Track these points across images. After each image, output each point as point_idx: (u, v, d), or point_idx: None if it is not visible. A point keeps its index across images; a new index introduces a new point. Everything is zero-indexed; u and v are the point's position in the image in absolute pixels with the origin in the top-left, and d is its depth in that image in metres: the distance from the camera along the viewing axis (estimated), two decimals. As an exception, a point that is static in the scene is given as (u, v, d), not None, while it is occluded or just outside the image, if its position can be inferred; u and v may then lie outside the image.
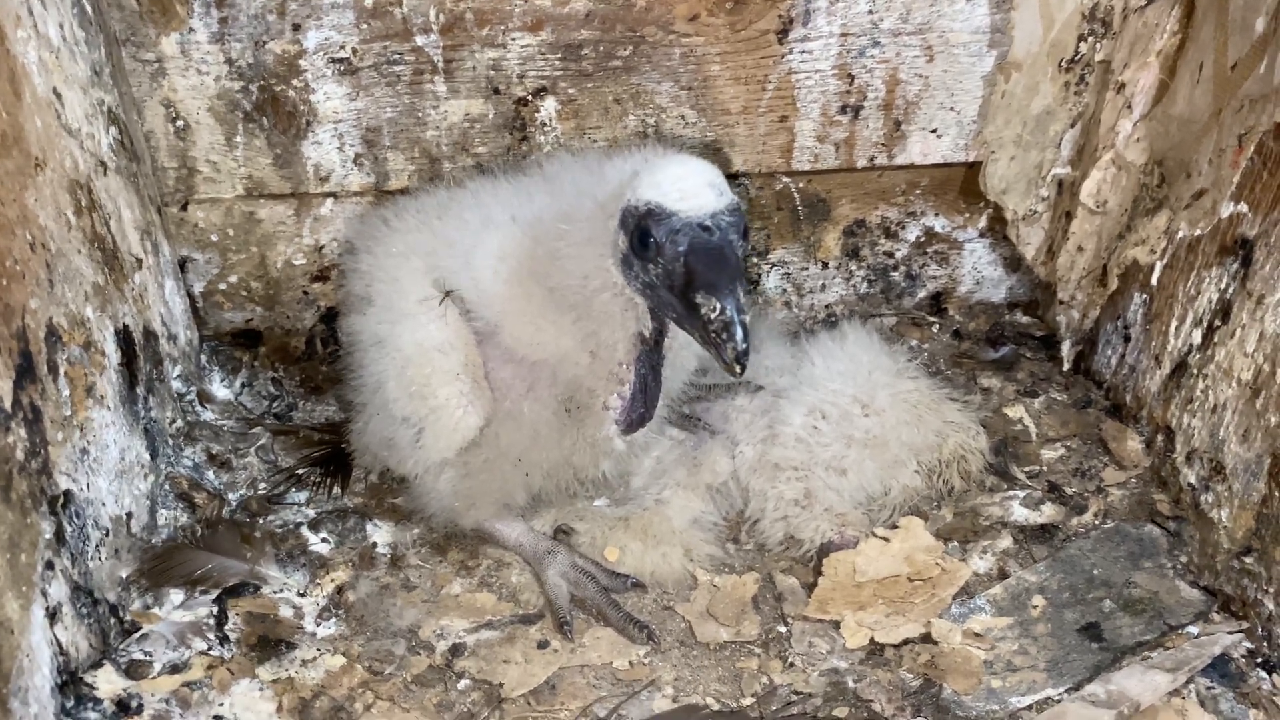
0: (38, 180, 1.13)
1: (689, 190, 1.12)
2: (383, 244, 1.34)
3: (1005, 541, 1.47)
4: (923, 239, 1.77)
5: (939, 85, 1.60)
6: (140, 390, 1.37)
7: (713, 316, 1.09)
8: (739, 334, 1.08)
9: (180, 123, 1.44)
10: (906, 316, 1.84)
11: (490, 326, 1.27)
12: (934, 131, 1.64)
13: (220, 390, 1.61)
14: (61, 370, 1.14)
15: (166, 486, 1.42)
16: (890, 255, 1.78)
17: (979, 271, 1.82)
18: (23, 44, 1.13)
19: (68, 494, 1.15)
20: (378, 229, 1.37)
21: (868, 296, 1.81)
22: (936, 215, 1.75)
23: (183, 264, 1.56)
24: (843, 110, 1.59)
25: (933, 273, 1.81)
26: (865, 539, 1.38)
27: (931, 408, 1.51)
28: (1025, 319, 1.85)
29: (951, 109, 1.63)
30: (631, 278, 1.17)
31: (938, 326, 1.83)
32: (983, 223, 1.77)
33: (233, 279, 1.57)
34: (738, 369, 1.09)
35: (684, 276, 1.11)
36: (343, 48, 1.38)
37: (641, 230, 1.11)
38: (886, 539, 1.40)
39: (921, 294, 1.83)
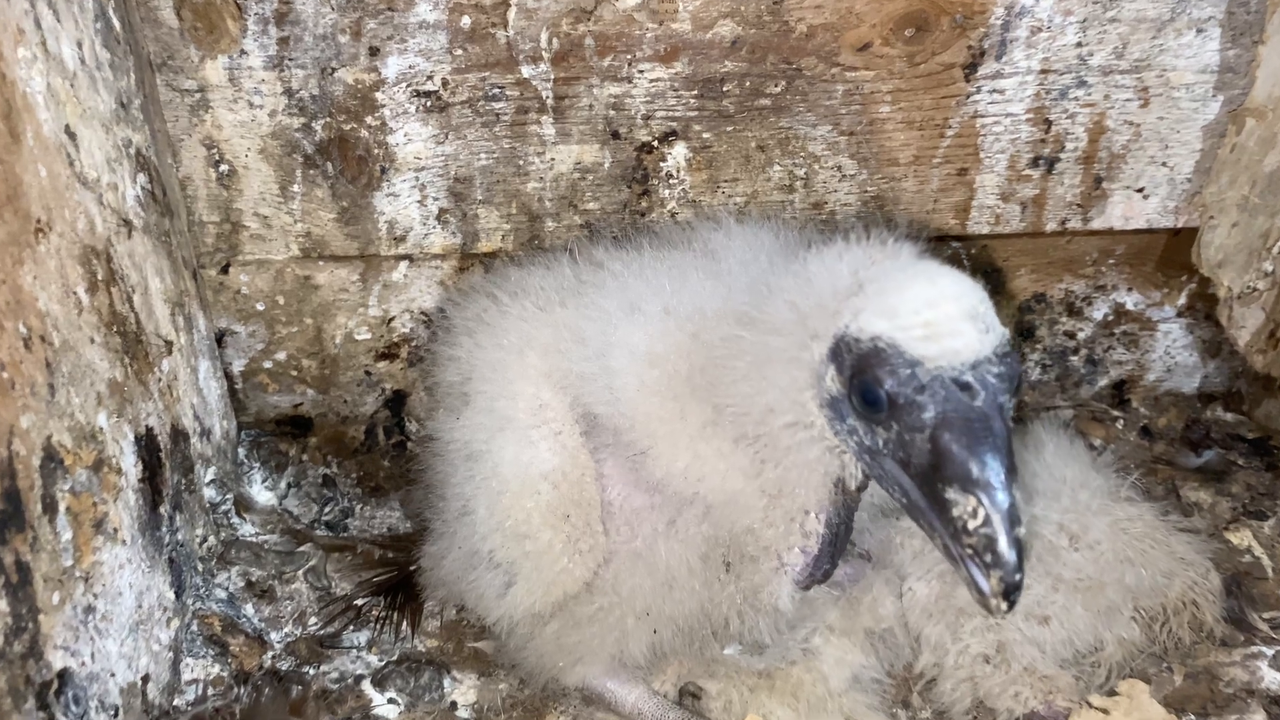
0: (39, 250, 0.83)
1: (941, 326, 0.81)
2: (491, 330, 1.06)
3: (1257, 716, 1.14)
4: (1111, 318, 1.46)
5: (1151, 135, 1.30)
6: (165, 509, 1.06)
7: (971, 525, 0.79)
8: (1009, 556, 0.78)
9: (225, 167, 1.15)
10: (1085, 409, 1.52)
11: (625, 444, 0.99)
12: (1140, 191, 1.34)
13: (261, 493, 1.31)
14: (62, 506, 0.84)
15: (194, 628, 1.11)
16: (1071, 336, 1.47)
17: (1171, 357, 1.51)
18: (25, 67, 0.84)
19: (64, 674, 0.84)
20: (484, 308, 1.09)
21: (1041, 385, 1.50)
22: (1130, 290, 1.44)
23: (220, 338, 1.26)
24: (1034, 163, 1.29)
25: (1118, 357, 1.49)
26: (1079, 710, 1.12)
27: (1158, 540, 1.21)
28: (1228, 416, 1.53)
29: (1164, 164, 1.32)
30: (843, 431, 0.89)
31: (1122, 422, 1.51)
32: (1182, 300, 1.46)
33: (280, 356, 1.31)
34: (1003, 607, 0.79)
35: (929, 457, 0.81)
36: (430, 78, 1.09)
37: (866, 378, 0.83)
38: (1105, 710, 1.13)
39: (1102, 382, 1.52)
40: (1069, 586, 1.17)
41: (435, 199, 1.22)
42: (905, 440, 0.82)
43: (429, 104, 1.16)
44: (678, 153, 1.23)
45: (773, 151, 1.23)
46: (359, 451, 1.36)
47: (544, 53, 1.16)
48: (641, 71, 1.18)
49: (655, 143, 1.20)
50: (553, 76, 1.15)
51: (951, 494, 0.79)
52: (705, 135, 1.24)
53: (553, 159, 1.21)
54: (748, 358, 0.91)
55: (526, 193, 1.22)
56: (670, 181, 1.25)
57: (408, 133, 1.17)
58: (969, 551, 0.79)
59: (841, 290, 0.87)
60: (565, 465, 0.99)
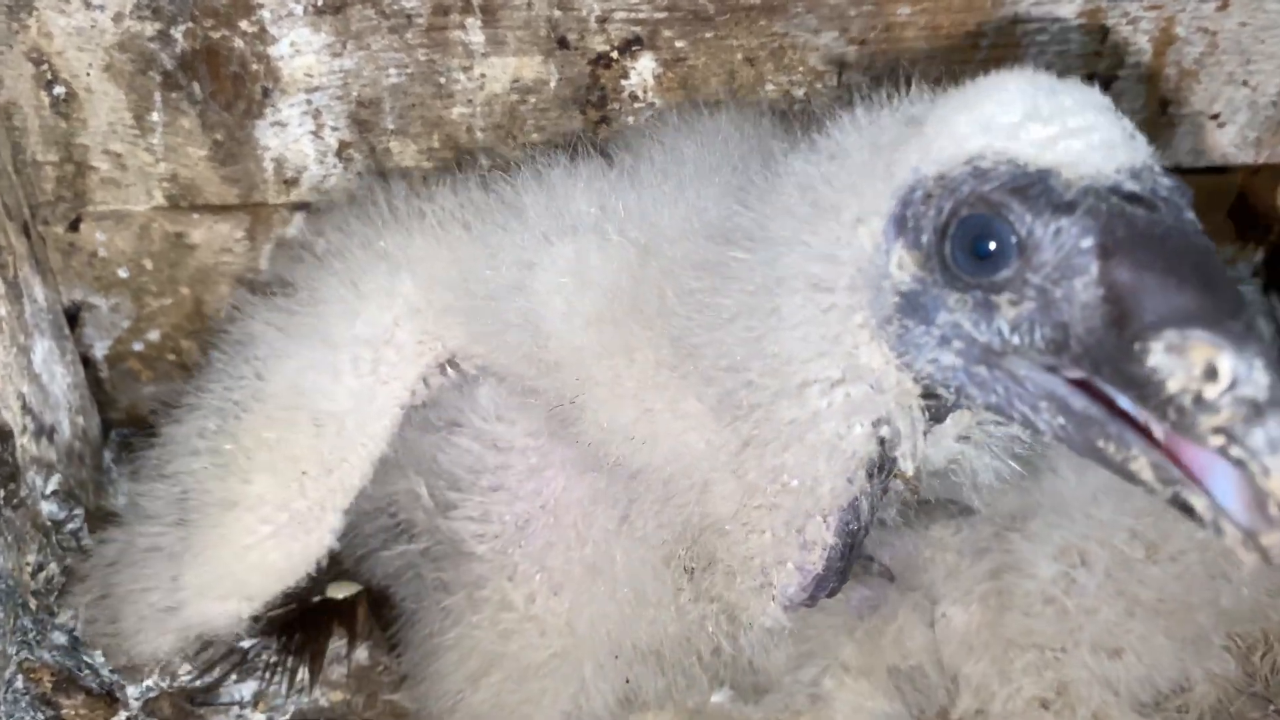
0: None
1: (1072, 119, 0.63)
2: (359, 238, 0.89)
3: (1390, 772, 0.90)
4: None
5: (1231, 46, 1.04)
6: (-35, 535, 0.80)
7: (1210, 393, 0.55)
8: None
9: (60, 89, 0.91)
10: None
11: (551, 404, 0.80)
12: (1215, 117, 1.09)
13: (129, 507, 1.03)
14: None
15: (18, 684, 0.84)
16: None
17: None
18: None
19: None
20: (364, 218, 0.91)
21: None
22: (1197, 243, 1.18)
23: (73, 314, 0.99)
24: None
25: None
26: (1164, 767, 0.91)
27: None
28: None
29: (1245, 83, 1.06)
30: (928, 343, 0.67)
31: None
32: (1258, 257, 1.22)
33: (153, 335, 1.10)
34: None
35: (1104, 310, 0.59)
36: (320, -32, 0.83)
37: (972, 221, 0.64)
38: (1197, 767, 0.87)
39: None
40: (1147, 610, 0.97)
41: (334, 129, 0.98)
42: (1054, 300, 0.61)
43: (320, 2, 0.92)
44: (643, 67, 0.98)
45: (764, 65, 1.00)
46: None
47: (466, -62, 0.90)
48: (593, -40, 0.92)
49: (614, 54, 0.96)
50: (491, -32, 0.89)
51: (1159, 357, 0.56)
52: (678, 44, 0.98)
53: (483, 76, 0.95)
54: (738, 289, 0.72)
55: (451, 120, 0.97)
56: (635, 105, 1.00)
57: (295, 42, 0.92)
58: (1217, 442, 0.54)
59: (889, 142, 0.69)
60: (356, 420, 0.82)
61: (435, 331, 0.83)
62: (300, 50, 0.95)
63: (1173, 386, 0.56)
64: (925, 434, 0.73)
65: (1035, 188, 0.62)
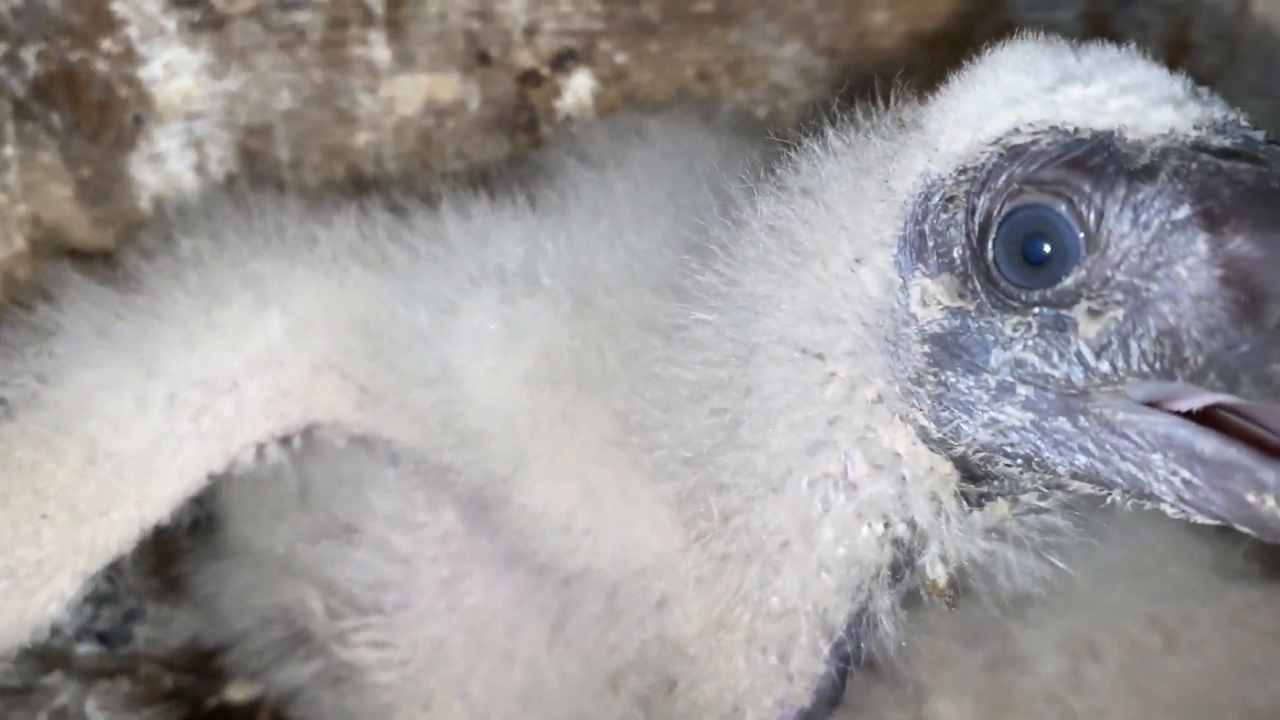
0: None
1: (1124, 80, 0.52)
2: (230, 255, 0.74)
3: None
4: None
5: (1251, 53, 0.93)
6: None
7: None
8: None
9: None
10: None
11: (469, 484, 0.67)
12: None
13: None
14: None
15: None
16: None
17: None
18: None
19: None
20: (243, 231, 0.75)
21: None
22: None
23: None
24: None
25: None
26: None
27: None
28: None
29: (1266, 94, 0.95)
30: (973, 403, 0.54)
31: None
32: None
33: None
34: None
35: (1232, 288, 0.48)
36: (193, -22, 0.71)
37: (1022, 219, 0.51)
38: None
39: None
40: (1166, 710, 0.85)
41: (220, 161, 0.86)
42: (1151, 300, 0.49)
43: (196, 17, 0.78)
44: (579, 85, 0.85)
45: (719, 81, 0.89)
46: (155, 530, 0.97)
47: (364, -67, 0.76)
48: (517, -38, 0.79)
49: (545, 69, 0.84)
50: (382, -28, 0.76)
51: None
52: (618, 58, 0.86)
53: (391, 97, 0.84)
54: (701, 360, 0.59)
55: (356, 148, 0.85)
56: (571, 126, 0.86)
57: (169, 63, 0.81)
58: None
59: (878, 158, 0.57)
60: (141, 470, 0.66)
61: (298, 393, 0.69)
62: (176, 72, 0.82)
63: None
64: (961, 529, 0.59)
65: (1096, 156, 0.49)
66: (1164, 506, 0.51)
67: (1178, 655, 0.85)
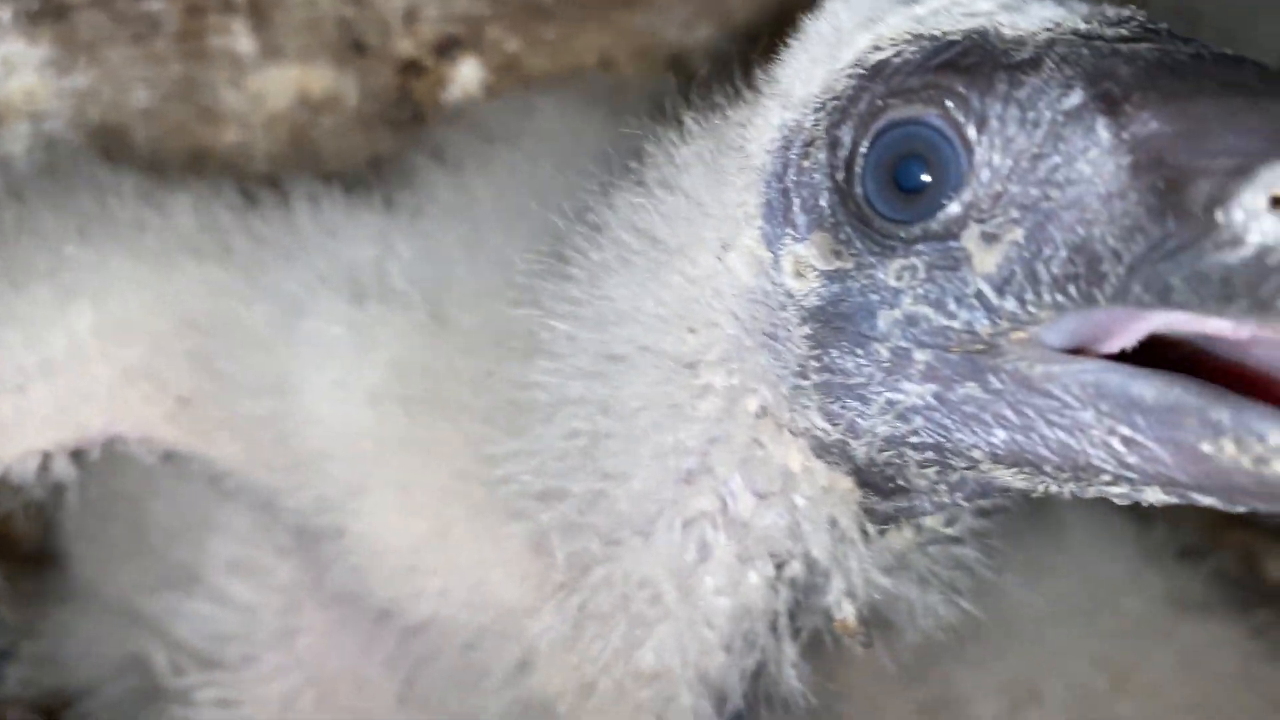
0: None
1: None
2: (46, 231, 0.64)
3: None
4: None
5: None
6: None
7: None
8: None
9: None
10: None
11: (302, 514, 0.60)
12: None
13: None
14: None
15: None
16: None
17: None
18: None
19: None
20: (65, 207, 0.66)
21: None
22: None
23: None
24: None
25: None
26: None
27: (1251, 678, 0.80)
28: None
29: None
30: (866, 388, 0.47)
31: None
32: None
33: None
34: None
35: (1147, 175, 0.40)
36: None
37: (890, 141, 0.45)
38: None
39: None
40: None
41: None
42: (1054, 210, 0.42)
43: (35, 6, 0.72)
44: (467, 75, 0.79)
45: (624, 69, 0.82)
46: (31, 555, 0.89)
47: (217, -88, 0.69)
48: (392, -59, 0.71)
49: (428, 59, 0.77)
50: (241, -46, 0.69)
51: (1260, 215, 0.37)
52: (509, 45, 0.79)
53: (259, 92, 0.77)
54: (556, 373, 0.52)
55: (224, 148, 0.78)
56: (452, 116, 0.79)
57: (6, 57, 0.73)
58: None
59: (735, 132, 0.50)
60: None
61: (102, 401, 0.61)
62: (15, 68, 0.76)
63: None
64: (867, 556, 0.51)
65: (970, 55, 0.43)
66: (1107, 488, 0.43)
67: (1127, 698, 0.78)
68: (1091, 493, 0.44)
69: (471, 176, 0.65)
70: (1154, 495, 0.42)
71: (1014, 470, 0.45)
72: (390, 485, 0.57)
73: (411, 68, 0.78)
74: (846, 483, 0.49)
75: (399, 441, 0.57)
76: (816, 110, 0.46)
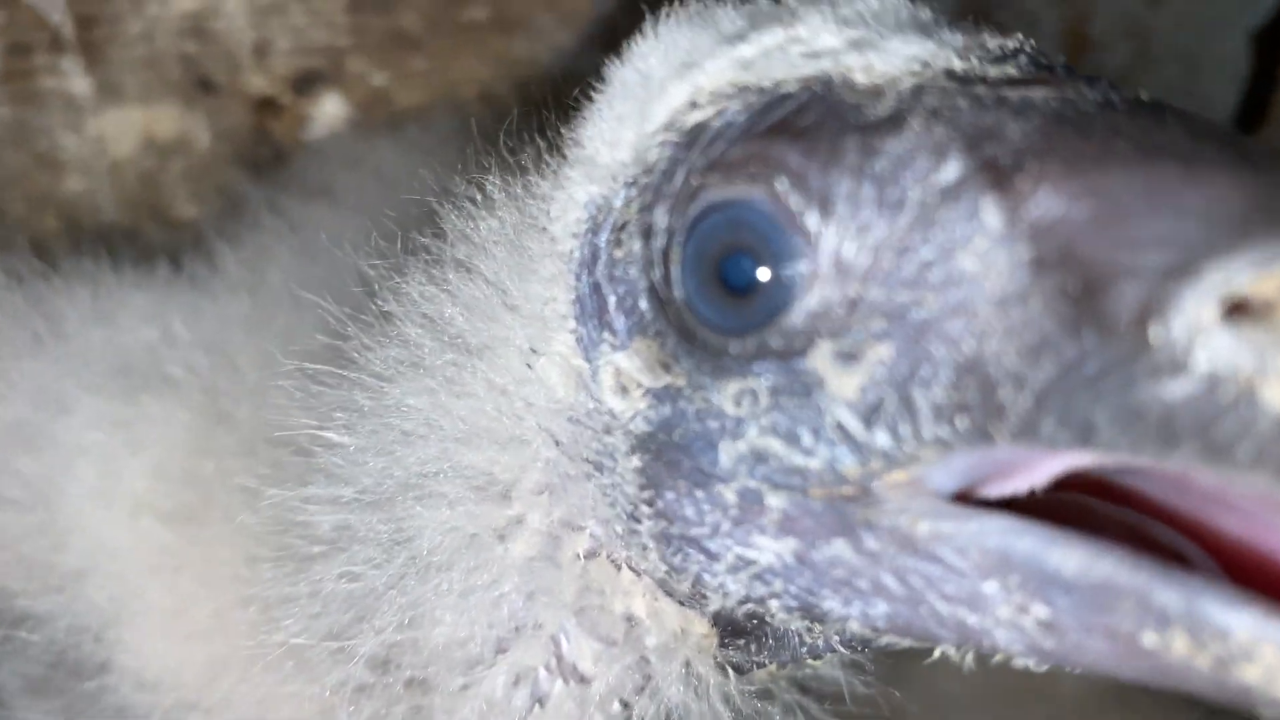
0: None
1: (844, 12, 0.37)
2: None
3: None
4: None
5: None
6: None
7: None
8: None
9: None
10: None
11: (56, 643, 0.52)
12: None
13: None
14: None
15: None
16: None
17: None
18: None
19: None
20: None
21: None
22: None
23: None
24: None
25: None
26: None
27: None
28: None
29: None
30: (707, 534, 0.37)
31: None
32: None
33: None
34: None
35: (1054, 275, 0.31)
36: None
37: (709, 230, 0.35)
38: None
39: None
40: None
41: None
42: (929, 320, 0.33)
43: None
44: (330, 111, 0.71)
45: (505, 101, 0.71)
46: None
47: (32, -60, 0.62)
48: (234, -33, 0.64)
49: (285, 96, 0.68)
50: (64, -16, 0.61)
51: (1208, 329, 0.28)
52: (375, 79, 0.71)
53: (100, 136, 0.69)
54: (332, 508, 0.44)
55: (67, 196, 0.69)
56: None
57: None
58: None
59: (538, 206, 0.41)
60: None
61: None
62: None
63: (1246, 374, 0.28)
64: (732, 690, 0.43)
65: (809, 113, 0.34)
66: (1020, 662, 0.34)
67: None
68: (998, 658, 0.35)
69: (270, 239, 0.57)
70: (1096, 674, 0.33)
71: (902, 636, 0.36)
72: (159, 611, 0.49)
73: (267, 105, 0.70)
74: (702, 626, 0.40)
75: (167, 562, 0.49)
76: (627, 185, 0.37)
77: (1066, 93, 0.33)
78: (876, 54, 0.35)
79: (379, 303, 0.44)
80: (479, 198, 0.43)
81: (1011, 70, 0.34)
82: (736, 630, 0.41)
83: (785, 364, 0.34)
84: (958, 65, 0.34)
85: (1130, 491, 0.35)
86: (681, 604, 0.40)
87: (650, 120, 0.37)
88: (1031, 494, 0.34)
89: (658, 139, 0.37)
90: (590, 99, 0.41)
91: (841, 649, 0.41)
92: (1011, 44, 0.36)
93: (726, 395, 0.35)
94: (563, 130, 0.43)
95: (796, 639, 0.41)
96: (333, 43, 0.69)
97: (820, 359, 0.34)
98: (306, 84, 0.70)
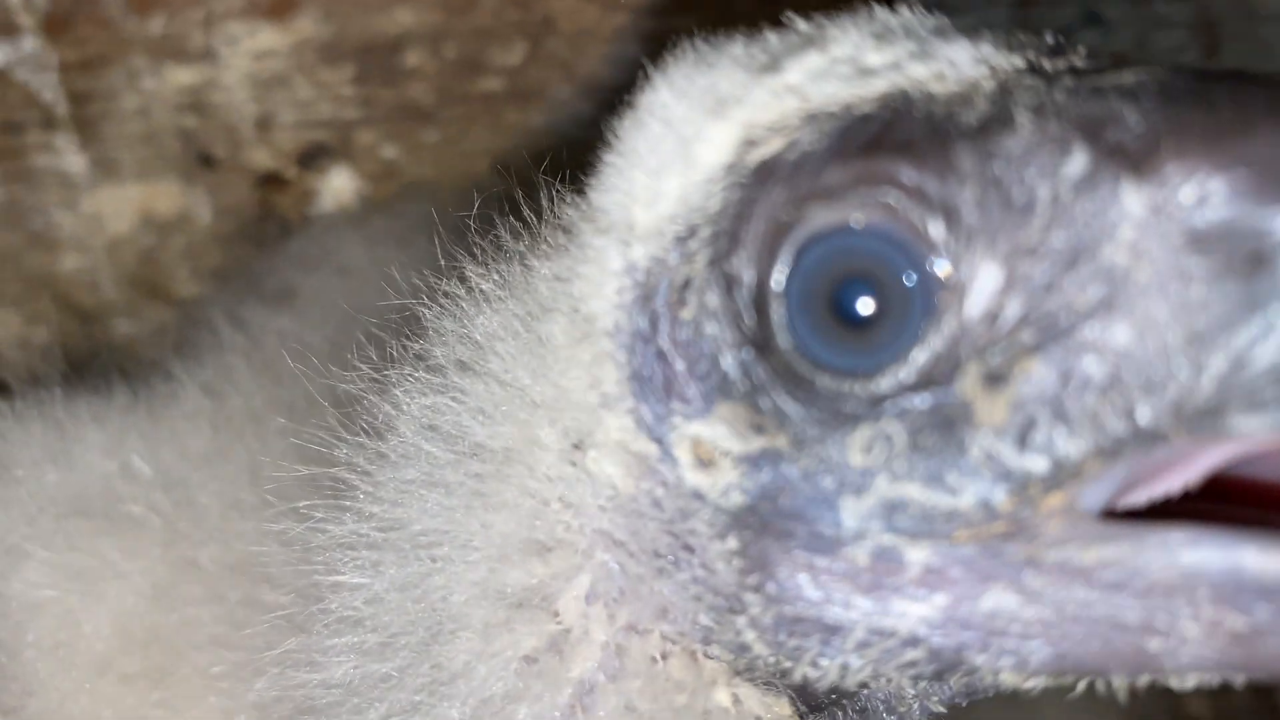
0: None
1: (879, 25, 0.34)
2: None
3: None
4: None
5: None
6: None
7: None
8: None
9: None
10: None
11: None
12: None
13: None
14: None
15: None
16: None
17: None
18: None
19: None
20: None
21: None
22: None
23: None
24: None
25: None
26: None
27: None
28: None
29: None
30: (825, 573, 0.33)
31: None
32: None
33: None
34: None
35: (1219, 246, 0.29)
36: None
37: (815, 262, 0.32)
38: None
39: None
40: None
41: None
42: (1071, 331, 0.30)
43: None
44: (339, 186, 0.68)
45: (526, 176, 0.65)
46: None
47: (22, 15, 0.58)
48: (234, 40, 0.61)
49: (290, 170, 0.65)
50: (56, 61, 0.58)
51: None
52: (386, 152, 0.67)
53: (96, 213, 0.66)
54: (355, 649, 0.39)
55: (62, 275, 0.67)
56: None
57: None
58: None
59: (555, 278, 0.38)
60: None
61: None
62: None
63: None
64: None
65: (901, 127, 0.32)
66: (1181, 678, 0.32)
67: None
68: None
69: (233, 354, 0.53)
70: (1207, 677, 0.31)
71: (1059, 676, 0.33)
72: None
73: (272, 180, 0.67)
74: (785, 708, 0.37)
75: (134, 716, 0.45)
76: (681, 240, 0.34)
77: (1154, 74, 0.31)
78: (939, 62, 0.32)
79: (367, 420, 0.40)
80: (469, 293, 0.39)
81: (1077, 61, 0.32)
82: (814, 705, 0.37)
83: (926, 398, 0.31)
84: (1024, 62, 0.32)
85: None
86: (763, 689, 0.36)
87: (697, 167, 0.34)
88: (1169, 500, 0.31)
89: (717, 184, 0.33)
90: (596, 164, 0.37)
91: (937, 708, 0.37)
92: (1049, 39, 0.34)
93: (851, 446, 0.32)
94: (564, 201, 0.39)
95: (883, 707, 0.37)
96: (340, 116, 0.65)
97: (966, 384, 0.31)
98: (313, 158, 0.67)
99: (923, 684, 0.35)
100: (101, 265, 0.69)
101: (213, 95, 0.64)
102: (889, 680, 0.34)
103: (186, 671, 0.45)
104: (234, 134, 0.65)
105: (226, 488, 0.46)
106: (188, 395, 0.51)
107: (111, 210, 0.67)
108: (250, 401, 0.49)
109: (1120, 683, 0.32)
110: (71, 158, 0.65)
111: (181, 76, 0.63)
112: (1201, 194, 0.29)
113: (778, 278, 0.32)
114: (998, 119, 0.30)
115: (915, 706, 0.37)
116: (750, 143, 0.33)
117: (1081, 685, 0.34)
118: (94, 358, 0.66)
